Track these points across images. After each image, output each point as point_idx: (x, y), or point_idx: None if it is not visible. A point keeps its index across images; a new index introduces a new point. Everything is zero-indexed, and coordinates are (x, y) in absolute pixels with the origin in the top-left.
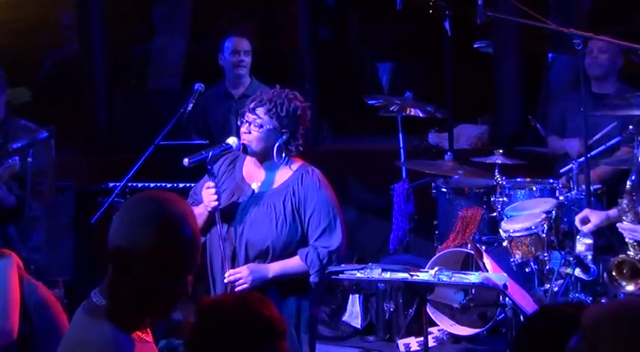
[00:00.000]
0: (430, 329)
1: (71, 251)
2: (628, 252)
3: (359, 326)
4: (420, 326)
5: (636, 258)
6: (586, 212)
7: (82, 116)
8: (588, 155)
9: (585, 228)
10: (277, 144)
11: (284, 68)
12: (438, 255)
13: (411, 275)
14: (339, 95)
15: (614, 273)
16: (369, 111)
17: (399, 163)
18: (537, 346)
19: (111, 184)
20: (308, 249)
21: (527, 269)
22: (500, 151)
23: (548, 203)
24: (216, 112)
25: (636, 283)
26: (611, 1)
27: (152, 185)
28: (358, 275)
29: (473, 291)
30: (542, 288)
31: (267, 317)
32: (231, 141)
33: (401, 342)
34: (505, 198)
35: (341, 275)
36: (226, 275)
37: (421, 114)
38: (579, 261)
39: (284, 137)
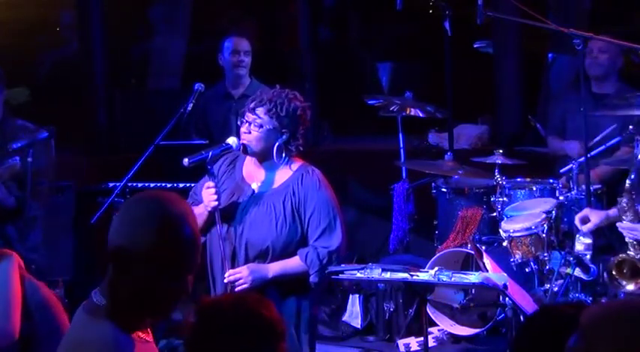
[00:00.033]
0: (430, 329)
1: (71, 251)
2: (628, 252)
3: (359, 326)
4: (420, 326)
5: (636, 257)
6: (586, 211)
7: (81, 116)
8: (588, 155)
9: (585, 228)
10: (277, 144)
11: (284, 68)
12: (438, 255)
13: (411, 275)
14: (339, 95)
15: (614, 273)
16: (369, 111)
17: (399, 163)
18: (537, 346)
19: (111, 184)
20: (308, 249)
21: (527, 269)
22: (500, 151)
23: (548, 203)
24: (216, 112)
25: (636, 282)
26: (611, 1)
27: (152, 185)
28: (358, 275)
29: (473, 291)
30: (542, 288)
31: (267, 317)
32: (231, 141)
33: (401, 342)
34: (505, 198)
35: (341, 275)
36: (226, 275)
37: (421, 114)
38: (579, 261)
39: (284, 137)
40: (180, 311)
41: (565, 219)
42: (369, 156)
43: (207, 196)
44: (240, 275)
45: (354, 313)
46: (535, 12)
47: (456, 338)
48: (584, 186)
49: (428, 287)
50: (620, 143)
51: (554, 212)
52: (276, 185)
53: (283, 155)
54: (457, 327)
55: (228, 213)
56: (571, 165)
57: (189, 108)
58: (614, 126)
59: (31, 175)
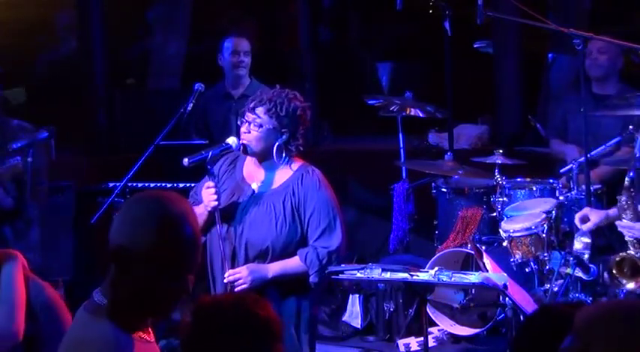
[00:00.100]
0: (430, 329)
1: (71, 251)
2: (628, 251)
3: (359, 326)
4: (420, 326)
5: (636, 255)
6: (586, 211)
7: (81, 116)
8: (588, 156)
9: (585, 227)
10: (277, 143)
11: (284, 68)
12: (438, 255)
13: (411, 275)
14: (339, 95)
15: (614, 271)
16: (369, 111)
17: (399, 163)
18: (537, 346)
19: (111, 184)
20: (308, 249)
21: (527, 269)
22: (500, 151)
23: (548, 203)
24: (216, 112)
25: (637, 281)
26: (611, 1)
27: (152, 185)
28: (358, 275)
29: (473, 291)
30: (542, 288)
31: (263, 317)
32: (231, 141)
33: (401, 342)
34: (505, 198)
35: (341, 275)
36: (226, 275)
37: (421, 114)
38: (579, 261)
39: (284, 137)
40: (181, 311)
41: (565, 219)
42: (369, 156)
43: (207, 196)
44: (239, 276)
45: (354, 313)
46: (535, 12)
47: (456, 338)
48: (584, 186)
49: (428, 287)
50: (620, 143)
51: (554, 212)
52: (276, 185)
53: (283, 155)
54: (457, 327)
55: (228, 213)
56: (571, 165)
57: (189, 108)
58: (618, 138)
59: (31, 175)
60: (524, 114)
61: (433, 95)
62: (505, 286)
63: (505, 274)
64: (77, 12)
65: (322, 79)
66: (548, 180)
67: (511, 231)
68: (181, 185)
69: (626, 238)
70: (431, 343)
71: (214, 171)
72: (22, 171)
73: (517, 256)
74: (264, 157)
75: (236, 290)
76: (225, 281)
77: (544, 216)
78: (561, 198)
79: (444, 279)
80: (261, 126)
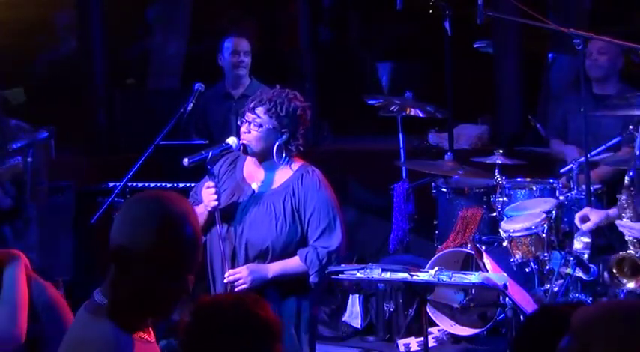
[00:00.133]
0: (430, 329)
1: (71, 251)
2: (628, 251)
3: (359, 326)
4: (420, 326)
5: (636, 255)
6: (585, 210)
7: (81, 116)
8: (588, 156)
9: (584, 227)
10: (277, 143)
11: (284, 68)
12: (438, 255)
13: (411, 275)
14: (339, 95)
15: (614, 271)
16: (369, 111)
17: (399, 163)
18: (537, 346)
19: (111, 184)
20: (307, 250)
21: (527, 269)
22: (500, 151)
23: (548, 203)
24: (216, 112)
25: (637, 280)
26: (611, 1)
27: (152, 185)
28: (358, 275)
29: (473, 291)
30: (542, 288)
31: (263, 317)
32: (231, 141)
33: (401, 342)
34: (505, 198)
35: (341, 275)
36: (226, 275)
37: (421, 114)
38: (579, 261)
39: (284, 137)
40: (181, 311)
41: (565, 219)
42: (369, 156)
43: (207, 196)
44: (239, 276)
45: (354, 313)
46: (535, 12)
47: (456, 338)
48: (584, 186)
49: (428, 287)
50: (620, 143)
51: (554, 212)
52: (276, 185)
53: (283, 155)
54: (457, 327)
55: (228, 213)
56: (571, 165)
57: (189, 108)
58: (618, 138)
59: (31, 175)
60: (524, 114)
61: (433, 95)
62: (505, 286)
63: (505, 274)
64: (77, 12)
65: (322, 79)
66: (548, 180)
67: (511, 231)
68: (181, 185)
69: (626, 238)
70: (431, 343)
71: (214, 171)
72: (23, 171)
73: (517, 256)
74: (264, 157)
75: (236, 290)
76: (225, 281)
77: (544, 216)
78: (561, 198)
79: (444, 279)
80: (261, 126)
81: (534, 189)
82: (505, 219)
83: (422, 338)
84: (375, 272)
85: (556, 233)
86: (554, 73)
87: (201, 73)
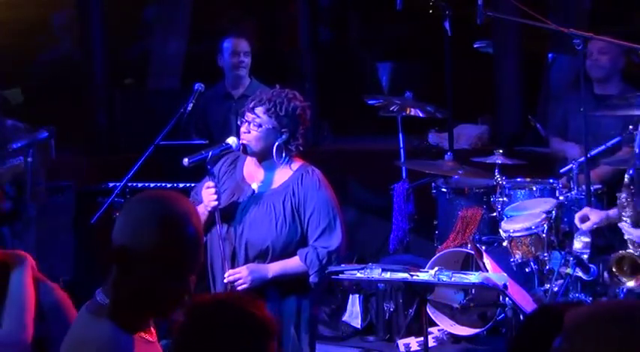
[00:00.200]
0: (430, 329)
1: (71, 251)
2: (628, 250)
3: (359, 326)
4: (420, 326)
5: (636, 254)
6: (585, 210)
7: (81, 116)
8: (588, 155)
9: (584, 226)
10: (277, 143)
11: (284, 68)
12: (438, 255)
13: (411, 275)
14: (339, 95)
15: (614, 270)
16: (369, 111)
17: (399, 163)
18: (536, 346)
19: (111, 184)
20: (307, 249)
21: (527, 269)
22: (500, 151)
23: (548, 203)
24: (216, 112)
25: (637, 279)
26: (611, 1)
27: (152, 185)
28: (358, 275)
29: (473, 291)
30: (542, 288)
31: (258, 316)
32: (231, 141)
33: (401, 342)
34: (505, 198)
35: (341, 275)
36: (226, 275)
37: (421, 114)
38: (579, 261)
39: (283, 137)
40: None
41: (565, 219)
42: (369, 156)
43: (207, 196)
44: (239, 276)
45: (354, 313)
46: (535, 12)
47: (456, 338)
48: (584, 186)
49: (428, 287)
50: (620, 143)
51: (554, 212)
52: (276, 185)
53: (283, 155)
54: (457, 327)
55: (228, 213)
56: (571, 165)
57: (189, 108)
58: (618, 138)
59: (31, 175)
60: (524, 114)
61: (433, 95)
62: (505, 286)
63: (505, 274)
64: (77, 12)
65: (322, 79)
66: (548, 180)
67: (511, 231)
68: (181, 185)
69: (626, 237)
70: (431, 343)
71: (214, 171)
72: (23, 171)
73: (517, 256)
74: (264, 157)
75: (236, 290)
76: (225, 281)
77: (544, 216)
78: (561, 198)
79: (444, 279)
80: (260, 125)
81: (534, 189)
82: (505, 219)
83: (422, 338)
84: (375, 272)
85: (556, 233)
86: (554, 73)
87: (201, 73)
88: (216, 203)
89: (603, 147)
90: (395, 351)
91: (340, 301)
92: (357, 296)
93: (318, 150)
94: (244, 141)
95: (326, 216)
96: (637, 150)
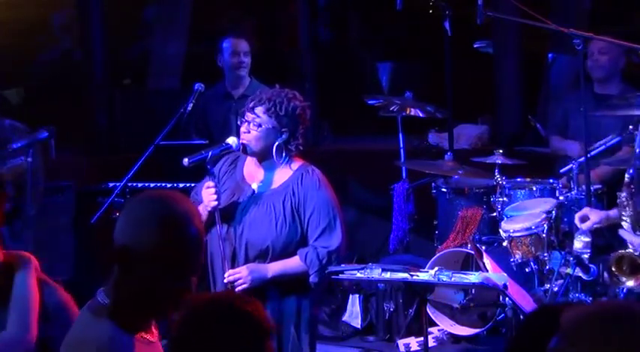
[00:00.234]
0: (430, 329)
1: (71, 251)
2: (627, 249)
3: (359, 326)
4: (420, 326)
5: (635, 253)
6: (585, 210)
7: (81, 116)
8: (588, 155)
9: (584, 226)
10: (276, 143)
11: (284, 68)
12: (438, 255)
13: (411, 275)
14: (339, 95)
15: (613, 269)
16: (369, 111)
17: (399, 163)
18: (534, 345)
19: (111, 184)
20: (307, 249)
21: (527, 269)
22: (500, 151)
23: (548, 203)
24: (216, 112)
25: (636, 279)
26: (611, 1)
27: (152, 185)
28: (358, 275)
29: (473, 291)
30: (542, 288)
31: (254, 315)
32: (231, 141)
33: (401, 342)
34: (505, 198)
35: (341, 275)
36: (226, 275)
37: (421, 114)
38: (579, 261)
39: (283, 136)
40: None
41: (565, 219)
42: (369, 156)
43: (207, 196)
44: (239, 275)
45: (354, 313)
46: (535, 12)
47: (456, 338)
48: (584, 186)
49: (428, 287)
50: (620, 143)
51: (554, 212)
52: (276, 185)
53: (283, 154)
54: (457, 327)
55: (228, 213)
56: (571, 165)
57: (189, 108)
58: (618, 138)
59: (31, 175)
60: (524, 114)
61: (433, 95)
62: (505, 286)
63: (505, 274)
64: (77, 12)
65: (322, 79)
66: (548, 180)
67: (511, 231)
68: (181, 185)
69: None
70: (431, 343)
71: (214, 171)
72: (24, 171)
73: (517, 256)
74: (263, 157)
75: (236, 290)
76: (225, 281)
77: (544, 216)
78: (561, 198)
79: (444, 279)
80: (260, 125)
81: (534, 189)
82: (505, 219)
83: (422, 338)
84: (375, 272)
85: (556, 233)
86: (554, 73)
87: (201, 73)
88: (216, 203)
89: (603, 147)
90: (395, 351)
91: (340, 301)
92: (357, 296)
93: (318, 150)
94: (244, 141)
95: (326, 215)
96: (637, 150)
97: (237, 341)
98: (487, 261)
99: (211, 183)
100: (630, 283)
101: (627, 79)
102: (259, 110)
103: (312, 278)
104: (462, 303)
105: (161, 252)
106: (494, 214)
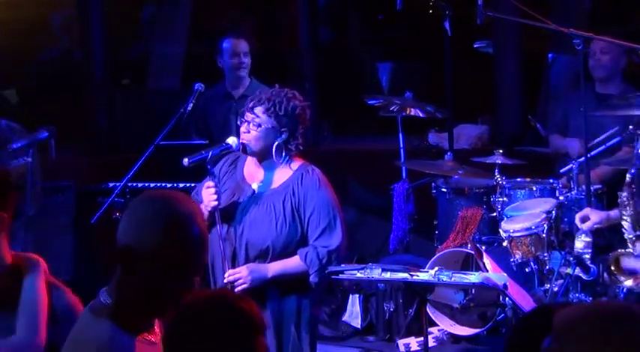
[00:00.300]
0: (430, 329)
1: (71, 251)
2: (627, 249)
3: (359, 326)
4: (420, 326)
5: (634, 253)
6: (586, 210)
7: (81, 116)
8: (589, 155)
9: (585, 226)
10: (276, 143)
11: (284, 68)
12: (438, 255)
13: (411, 275)
14: (339, 95)
15: (612, 268)
16: (369, 111)
17: (399, 163)
18: (529, 346)
19: (111, 184)
20: (308, 249)
21: (527, 269)
22: (500, 151)
23: (548, 203)
24: (216, 112)
25: (635, 278)
26: (611, 1)
27: (152, 185)
28: (358, 275)
29: (473, 291)
30: (542, 288)
31: (246, 311)
32: (231, 141)
33: (401, 342)
34: (505, 198)
35: (341, 275)
36: (226, 275)
37: (421, 114)
38: (579, 261)
39: (283, 136)
40: None
41: (565, 219)
42: (369, 156)
43: (207, 196)
44: (239, 275)
45: (354, 313)
46: (535, 12)
47: (456, 338)
48: (584, 186)
49: (428, 287)
50: (620, 143)
51: (554, 212)
52: (276, 185)
53: (283, 154)
54: (457, 327)
55: (229, 213)
56: (571, 165)
57: (189, 108)
58: (616, 128)
59: (31, 175)
60: (524, 114)
61: (433, 95)
62: (505, 286)
63: (505, 274)
64: (77, 12)
65: (322, 79)
66: (548, 180)
67: (511, 231)
68: (181, 185)
69: (625, 236)
70: (431, 343)
71: (214, 171)
72: (25, 171)
73: (517, 256)
74: (263, 157)
75: (236, 290)
76: (225, 281)
77: (544, 216)
78: (561, 198)
79: (444, 279)
80: (260, 125)
81: (534, 189)
82: (505, 219)
83: (422, 338)
84: (375, 272)
85: (556, 233)
86: (554, 73)
87: (201, 73)
88: (216, 203)
89: (603, 147)
90: (395, 351)
91: (340, 301)
92: (357, 296)
93: (318, 150)
94: (244, 141)
95: (326, 215)
96: (638, 150)
97: (228, 337)
98: (487, 261)
99: (211, 183)
100: (629, 283)
101: (628, 78)
102: (259, 110)
103: (312, 278)
104: (462, 303)
105: (164, 252)
106: (494, 214)
